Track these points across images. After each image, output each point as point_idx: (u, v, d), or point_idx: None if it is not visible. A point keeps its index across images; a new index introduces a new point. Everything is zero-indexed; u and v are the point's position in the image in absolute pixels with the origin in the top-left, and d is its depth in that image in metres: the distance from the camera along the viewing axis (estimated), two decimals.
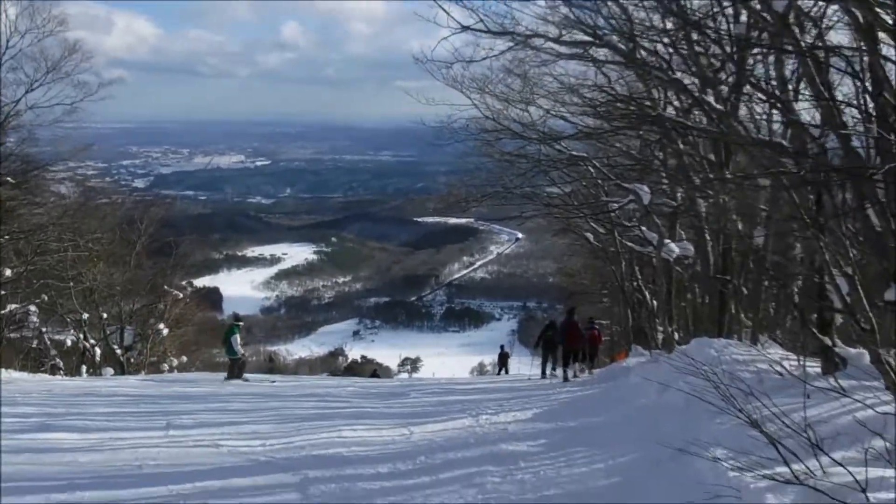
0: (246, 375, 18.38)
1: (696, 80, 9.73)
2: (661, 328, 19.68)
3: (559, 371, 17.56)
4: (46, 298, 25.90)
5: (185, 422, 10.28)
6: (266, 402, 12.59)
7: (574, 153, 14.07)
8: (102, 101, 21.13)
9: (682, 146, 14.10)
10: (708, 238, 14.89)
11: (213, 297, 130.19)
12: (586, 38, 8.89)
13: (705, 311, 15.46)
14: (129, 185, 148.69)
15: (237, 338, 18.21)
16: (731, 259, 13.18)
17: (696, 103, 9.63)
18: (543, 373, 18.28)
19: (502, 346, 36.90)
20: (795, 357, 9.27)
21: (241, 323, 20.04)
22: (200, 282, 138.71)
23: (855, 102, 6.68)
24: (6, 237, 21.27)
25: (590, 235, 21.11)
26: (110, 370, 26.97)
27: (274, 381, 18.09)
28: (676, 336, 19.30)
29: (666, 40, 12.16)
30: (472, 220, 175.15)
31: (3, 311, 23.69)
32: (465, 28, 8.37)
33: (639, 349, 17.69)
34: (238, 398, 13.00)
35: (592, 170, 15.44)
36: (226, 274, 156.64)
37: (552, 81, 14.13)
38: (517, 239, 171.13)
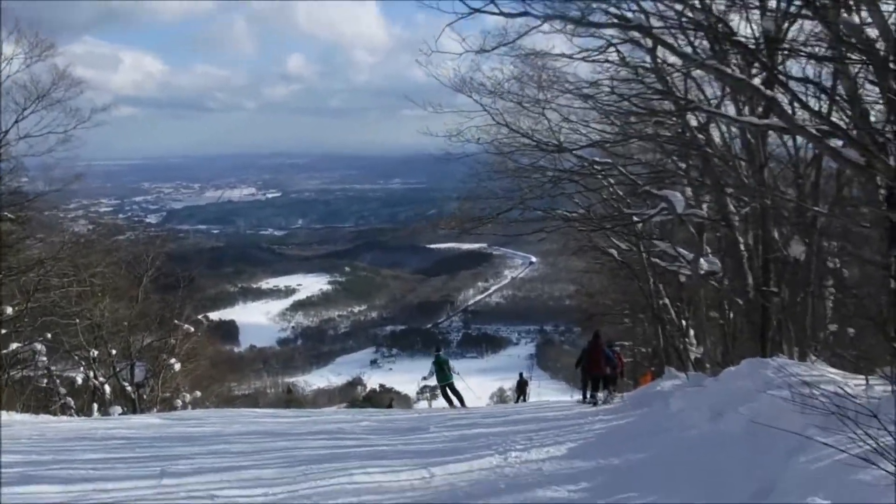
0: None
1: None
2: (693, 348, 18.59)
3: (597, 395, 16.63)
4: (50, 336, 25.08)
5: (182, 468, 9.27)
6: (273, 441, 11.57)
7: (597, 160, 13.06)
8: (96, 128, 20.50)
9: (709, 150, 13.11)
10: (743, 250, 13.84)
11: (229, 330, 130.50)
12: (612, 20, 7.91)
13: (745, 328, 14.34)
14: (142, 220, 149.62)
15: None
16: (774, 270, 12.09)
17: (737, 88, 8.62)
18: (584, 397, 17.27)
19: (521, 373, 35.71)
20: (863, 378, 8.17)
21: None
22: (216, 315, 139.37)
23: None
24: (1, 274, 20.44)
25: (614, 252, 20.09)
26: (118, 408, 26.04)
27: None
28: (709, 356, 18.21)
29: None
30: (485, 245, 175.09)
31: (5, 351, 22.91)
32: (473, 10, 7.46)
33: (672, 371, 16.55)
34: (244, 438, 11.98)
35: (612, 181, 14.45)
36: (241, 306, 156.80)
37: (568, 86, 13.27)
38: (531, 262, 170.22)
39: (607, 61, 13.12)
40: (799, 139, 13.15)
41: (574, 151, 12.90)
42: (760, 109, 10.90)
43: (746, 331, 15.56)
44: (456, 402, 19.91)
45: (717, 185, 13.11)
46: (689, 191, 13.65)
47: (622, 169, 13.03)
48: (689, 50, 12.35)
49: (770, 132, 11.28)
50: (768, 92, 7.15)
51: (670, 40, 11.62)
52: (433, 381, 21.45)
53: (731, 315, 17.09)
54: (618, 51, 10.89)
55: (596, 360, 16.48)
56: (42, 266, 22.47)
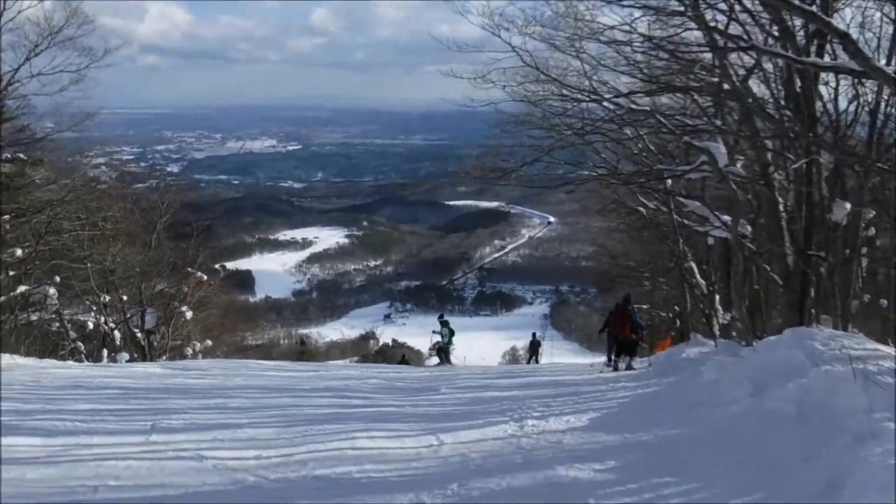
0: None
1: None
2: (719, 314, 17.78)
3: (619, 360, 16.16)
4: (59, 279, 24.67)
5: (174, 424, 8.65)
6: (275, 397, 10.94)
7: (633, 107, 12.07)
8: (109, 68, 19.80)
9: (751, 101, 12.10)
10: (782, 211, 12.91)
11: (245, 280, 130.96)
12: None
13: (774, 295, 13.48)
14: (164, 169, 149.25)
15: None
16: (816, 234, 11.17)
17: (804, 20, 7.58)
18: (609, 360, 16.94)
19: (534, 334, 35.29)
20: None
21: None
22: (233, 264, 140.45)
23: None
24: (7, 216, 19.88)
25: (642, 210, 19.20)
26: (125, 355, 25.73)
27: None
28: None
29: None
30: (503, 203, 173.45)
31: (14, 293, 22.53)
32: None
33: (699, 337, 15.78)
34: (244, 393, 11.37)
35: (644, 132, 13.48)
36: (258, 257, 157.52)
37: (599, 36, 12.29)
38: (549, 222, 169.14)
39: (645, 6, 12.10)
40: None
41: (607, 100, 11.90)
42: (813, 53, 9.88)
43: (782, 298, 14.75)
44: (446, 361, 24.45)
45: (756, 139, 12.13)
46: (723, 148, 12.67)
47: (660, 118, 12.02)
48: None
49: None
50: (841, 27, 6.21)
51: None
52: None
53: (758, 281, 16.27)
54: None
55: (622, 325, 16.09)
56: (51, 208, 21.92)
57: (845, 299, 10.96)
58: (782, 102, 11.20)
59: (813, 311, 11.91)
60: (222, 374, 14.53)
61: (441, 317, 26.03)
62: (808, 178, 11.08)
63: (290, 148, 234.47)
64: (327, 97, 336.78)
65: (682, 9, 10.02)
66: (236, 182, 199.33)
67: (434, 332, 26.36)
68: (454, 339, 25.19)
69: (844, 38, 6.06)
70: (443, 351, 25.03)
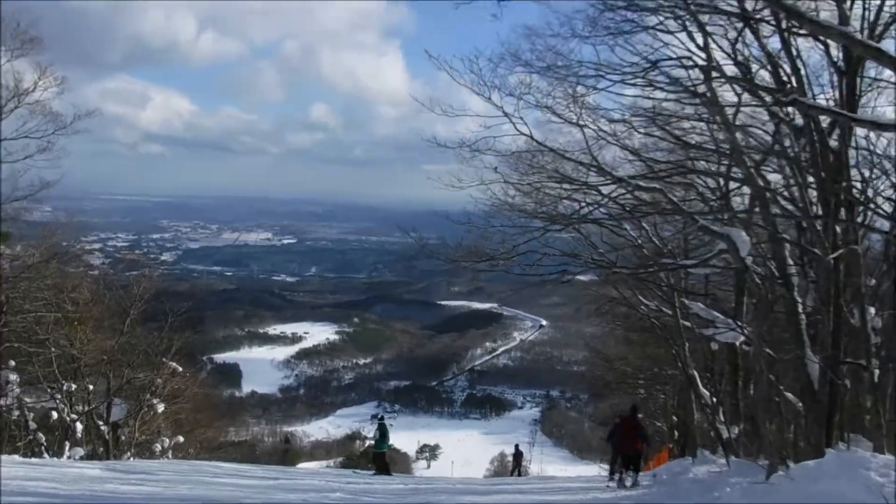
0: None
1: None
2: (724, 427, 16.17)
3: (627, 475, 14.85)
4: (14, 364, 22.98)
5: None
6: None
7: (641, 184, 10.88)
8: (76, 134, 19.01)
9: (765, 187, 10.96)
10: (801, 312, 11.55)
11: (232, 373, 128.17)
12: None
13: (810, 408, 11.94)
14: (158, 257, 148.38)
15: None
16: (846, 338, 9.80)
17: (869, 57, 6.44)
18: (611, 474, 16.10)
19: (517, 446, 34.07)
20: None
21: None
22: (221, 357, 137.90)
23: None
24: None
25: (644, 309, 17.83)
26: (80, 451, 23.75)
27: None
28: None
29: None
30: (495, 304, 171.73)
31: None
32: None
33: (706, 454, 14.19)
34: None
35: (654, 211, 12.33)
36: (247, 350, 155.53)
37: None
38: (541, 325, 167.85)
39: (651, 84, 11.17)
40: None
41: (610, 182, 10.75)
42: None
43: (791, 411, 13.25)
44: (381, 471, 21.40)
45: (777, 232, 10.92)
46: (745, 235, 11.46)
47: (672, 198, 10.81)
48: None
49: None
50: None
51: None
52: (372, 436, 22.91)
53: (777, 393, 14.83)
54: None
55: (631, 437, 15.19)
56: (11, 284, 20.57)
57: (888, 415, 9.46)
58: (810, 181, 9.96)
59: (843, 425, 10.43)
60: (168, 479, 12.77)
61: (381, 418, 23.59)
62: (836, 275, 9.77)
63: (286, 241, 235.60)
64: (325, 192, 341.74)
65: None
66: (229, 273, 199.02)
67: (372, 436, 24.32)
68: (388, 442, 22.42)
69: None
70: (377, 458, 22.07)
